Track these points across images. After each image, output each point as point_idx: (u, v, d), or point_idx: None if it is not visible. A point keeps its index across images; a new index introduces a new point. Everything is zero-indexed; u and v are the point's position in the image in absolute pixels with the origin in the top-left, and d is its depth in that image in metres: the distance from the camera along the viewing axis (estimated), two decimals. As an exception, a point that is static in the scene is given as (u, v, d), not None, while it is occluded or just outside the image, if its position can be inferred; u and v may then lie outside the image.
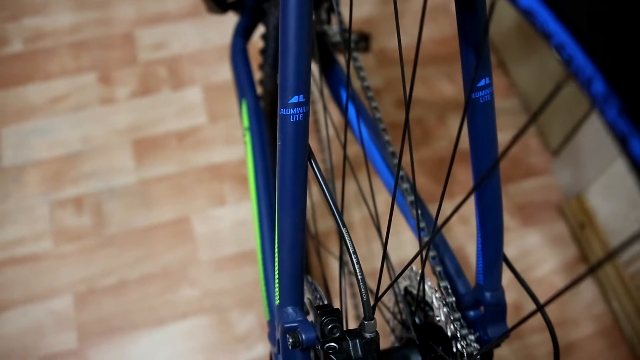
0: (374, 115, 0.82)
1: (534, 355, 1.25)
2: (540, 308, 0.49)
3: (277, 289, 0.59)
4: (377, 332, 0.53)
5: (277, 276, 0.58)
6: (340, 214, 0.54)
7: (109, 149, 1.45)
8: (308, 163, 0.54)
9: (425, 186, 1.40)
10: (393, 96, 1.55)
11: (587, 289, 1.32)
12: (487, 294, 0.65)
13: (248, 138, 0.86)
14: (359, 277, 0.52)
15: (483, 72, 0.50)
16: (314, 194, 1.32)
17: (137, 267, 1.31)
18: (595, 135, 1.28)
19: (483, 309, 0.66)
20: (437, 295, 0.63)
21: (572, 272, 1.33)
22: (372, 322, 0.52)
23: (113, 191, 1.40)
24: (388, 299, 0.79)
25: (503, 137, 1.51)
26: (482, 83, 0.50)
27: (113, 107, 1.53)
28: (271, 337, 0.67)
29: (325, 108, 0.81)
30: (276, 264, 0.58)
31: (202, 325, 1.25)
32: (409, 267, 0.69)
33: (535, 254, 1.35)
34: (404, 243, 1.30)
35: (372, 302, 0.55)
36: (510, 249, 1.33)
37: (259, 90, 1.03)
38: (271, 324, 0.68)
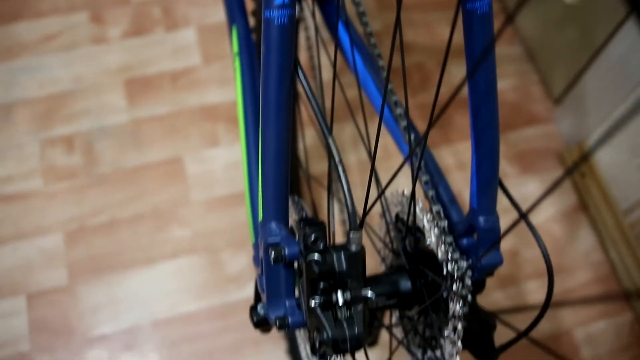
0: (368, 41, 0.78)
1: (529, 301, 1.24)
2: (524, 216, 0.46)
3: (260, 204, 0.56)
4: (363, 247, 0.51)
5: (260, 190, 0.56)
6: (325, 121, 0.51)
7: (101, 89, 1.42)
8: (295, 73, 0.51)
9: (423, 132, 1.37)
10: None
11: (586, 237, 1.30)
12: (481, 219, 0.62)
13: (237, 64, 0.83)
14: (345, 186, 0.49)
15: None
16: (307, 137, 1.29)
17: (128, 207, 1.29)
18: (598, 82, 1.24)
19: (476, 236, 0.64)
20: (428, 216, 0.60)
21: (570, 220, 1.31)
22: (358, 234, 0.50)
23: (104, 131, 1.37)
24: (379, 228, 0.77)
25: (506, 84, 1.48)
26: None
27: (105, 47, 1.48)
28: (256, 259, 0.65)
29: (316, 30, 0.77)
30: (260, 177, 0.55)
31: (192, 265, 1.23)
32: (401, 194, 0.66)
33: (534, 201, 1.32)
34: (397, 175, 1.28)
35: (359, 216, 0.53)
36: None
37: (252, 22, 0.99)
38: (256, 246, 0.66)
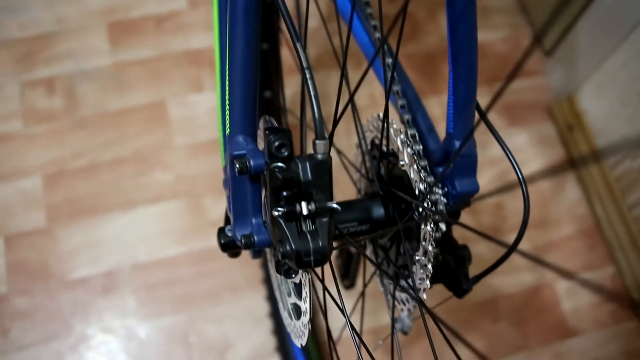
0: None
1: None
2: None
3: (227, 117, 0.54)
4: (329, 156, 0.49)
5: (227, 103, 0.54)
6: (294, 26, 0.49)
7: (83, 31, 1.38)
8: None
9: (412, 82, 1.34)
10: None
11: (571, 191, 1.29)
12: (457, 144, 0.60)
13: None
14: (312, 92, 0.47)
15: None
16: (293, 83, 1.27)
17: (110, 150, 1.27)
18: (589, 33, 1.22)
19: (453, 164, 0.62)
20: (402, 137, 0.58)
21: (556, 174, 1.30)
22: (324, 141, 0.48)
23: (86, 73, 1.34)
24: (355, 159, 0.76)
25: (497, 35, 1.45)
26: None
27: (89, -11, 1.45)
28: (225, 182, 0.63)
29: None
30: (225, 86, 0.53)
31: (174, 209, 1.22)
32: (376, 117, 0.64)
33: (521, 153, 1.31)
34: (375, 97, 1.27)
35: (328, 129, 0.51)
36: (495, 147, 1.28)
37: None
38: (225, 170, 0.64)
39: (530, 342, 1.19)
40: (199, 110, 1.31)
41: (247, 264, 1.18)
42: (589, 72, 1.23)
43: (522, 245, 1.25)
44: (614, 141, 1.21)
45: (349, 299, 1.01)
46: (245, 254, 0.70)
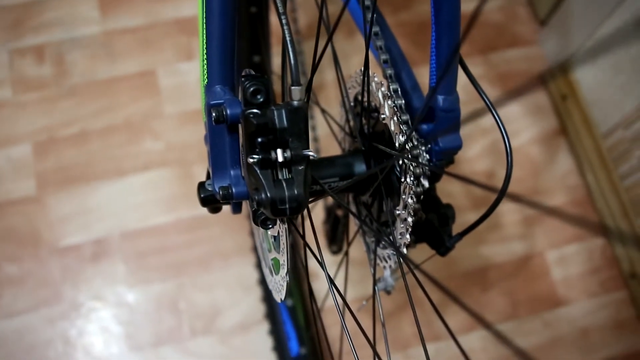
0: None
1: (502, 222, 1.23)
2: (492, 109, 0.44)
3: (204, 67, 0.54)
4: (305, 104, 0.48)
5: (204, 52, 0.53)
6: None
7: (73, -1, 1.37)
8: None
9: (405, 51, 1.33)
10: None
11: (563, 161, 1.28)
12: (440, 98, 0.59)
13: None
14: (287, 37, 0.46)
15: None
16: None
17: (99, 118, 1.26)
18: (583, 1, 1.20)
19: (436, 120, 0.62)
20: (383, 89, 0.58)
21: (549, 143, 1.29)
22: (299, 87, 0.47)
23: (76, 41, 1.32)
24: (340, 119, 0.75)
25: (492, 4, 1.42)
26: None
27: (79, -43, 1.43)
28: (206, 137, 0.63)
29: None
30: (203, 37, 0.52)
31: (163, 178, 1.22)
32: (359, 72, 0.64)
33: (514, 123, 1.30)
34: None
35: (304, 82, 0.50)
36: (488, 117, 1.27)
37: None
38: (205, 124, 0.63)
39: (519, 311, 1.19)
40: (189, 79, 1.30)
41: (237, 232, 1.18)
42: (582, 40, 1.22)
43: (512, 214, 1.26)
44: (606, 110, 1.20)
45: (336, 266, 1.01)
46: (229, 215, 0.69)
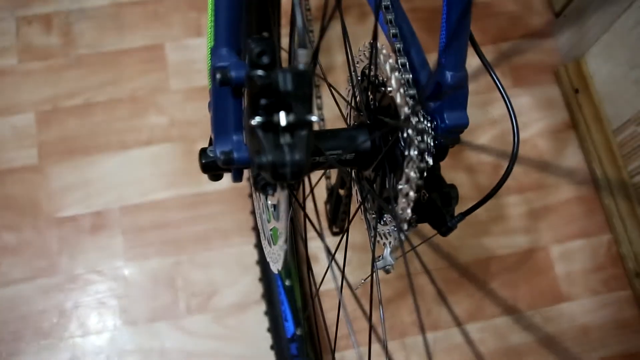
0: None
1: (506, 215, 1.21)
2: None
3: (210, 29, 0.52)
4: (312, 68, 0.47)
5: (212, 14, 0.52)
6: None
7: (83, -31, 1.35)
8: None
9: (419, 38, 1.31)
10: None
11: (572, 155, 1.26)
12: (449, 74, 0.58)
13: None
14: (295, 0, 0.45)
15: None
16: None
17: (105, 91, 1.24)
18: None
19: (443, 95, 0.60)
20: (391, 62, 0.56)
21: (558, 137, 1.27)
22: (306, 50, 0.46)
23: (84, 12, 1.31)
24: (347, 94, 0.73)
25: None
26: None
27: None
28: (209, 104, 0.61)
29: None
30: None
31: (166, 153, 1.20)
32: (367, 45, 0.62)
33: (524, 115, 1.28)
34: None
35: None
36: (498, 107, 1.26)
37: None
38: (210, 91, 0.62)
39: (520, 304, 1.17)
40: (197, 55, 1.28)
41: (238, 211, 1.17)
42: (598, 33, 1.20)
43: (517, 207, 1.24)
44: (619, 105, 1.18)
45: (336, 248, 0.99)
46: (230, 193, 0.68)
